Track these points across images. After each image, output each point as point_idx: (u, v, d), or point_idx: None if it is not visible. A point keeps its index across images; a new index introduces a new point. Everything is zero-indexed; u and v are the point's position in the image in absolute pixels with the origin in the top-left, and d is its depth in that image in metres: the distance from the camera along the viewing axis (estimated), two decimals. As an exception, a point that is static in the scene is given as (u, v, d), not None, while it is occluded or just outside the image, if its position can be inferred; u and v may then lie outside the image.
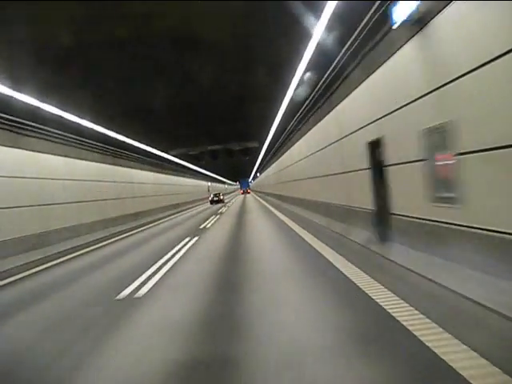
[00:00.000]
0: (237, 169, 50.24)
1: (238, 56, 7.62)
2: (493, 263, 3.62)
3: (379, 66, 6.24)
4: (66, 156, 12.78)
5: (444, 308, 3.60)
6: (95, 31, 5.80)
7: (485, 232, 3.77)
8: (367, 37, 6.06)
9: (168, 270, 6.77)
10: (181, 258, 8.02)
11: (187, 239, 10.89)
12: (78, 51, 6.42)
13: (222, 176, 62.58)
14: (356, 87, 7.56)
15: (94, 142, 14.26)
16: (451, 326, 3.10)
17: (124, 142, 15.17)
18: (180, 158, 24.29)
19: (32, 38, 5.71)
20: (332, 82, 8.77)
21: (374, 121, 6.63)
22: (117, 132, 13.44)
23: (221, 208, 28.29)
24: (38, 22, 5.31)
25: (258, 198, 43.10)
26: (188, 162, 26.68)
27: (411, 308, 3.65)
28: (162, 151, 20.37)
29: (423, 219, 5.08)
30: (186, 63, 7.73)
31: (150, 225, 18.39)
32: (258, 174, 57.31)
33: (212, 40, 6.56)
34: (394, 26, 4.94)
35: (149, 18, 5.58)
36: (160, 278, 6.14)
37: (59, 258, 9.63)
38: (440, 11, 4.24)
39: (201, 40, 6.51)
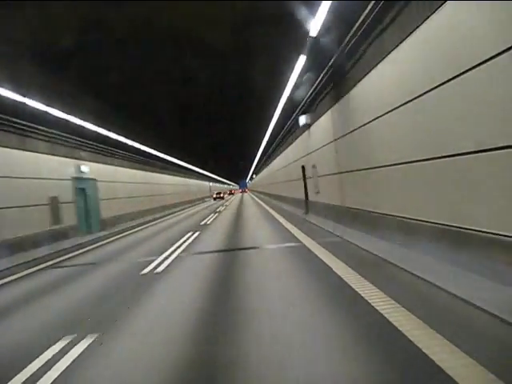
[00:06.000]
0: (235, 171, 58.31)
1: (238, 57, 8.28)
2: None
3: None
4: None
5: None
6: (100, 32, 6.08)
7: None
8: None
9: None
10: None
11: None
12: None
13: (223, 178, 69.84)
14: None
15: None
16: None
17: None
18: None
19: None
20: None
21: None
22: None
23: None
24: (39, 23, 5.51)
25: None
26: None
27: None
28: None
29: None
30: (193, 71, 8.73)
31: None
32: (255, 176, 61.12)
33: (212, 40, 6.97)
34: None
35: (149, 18, 5.80)
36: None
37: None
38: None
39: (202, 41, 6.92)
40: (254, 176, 62.35)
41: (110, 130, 14.12)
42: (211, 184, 66.68)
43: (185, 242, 10.03)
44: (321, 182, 11.37)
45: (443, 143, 4.52)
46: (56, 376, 2.81)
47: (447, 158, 4.46)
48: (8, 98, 8.14)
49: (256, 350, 2.91)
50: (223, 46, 7.26)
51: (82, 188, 14.29)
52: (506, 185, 3.57)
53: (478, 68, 3.77)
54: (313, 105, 11.27)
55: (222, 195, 47.23)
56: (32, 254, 9.72)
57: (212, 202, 43.23)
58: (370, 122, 6.72)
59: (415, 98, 5.04)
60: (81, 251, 10.51)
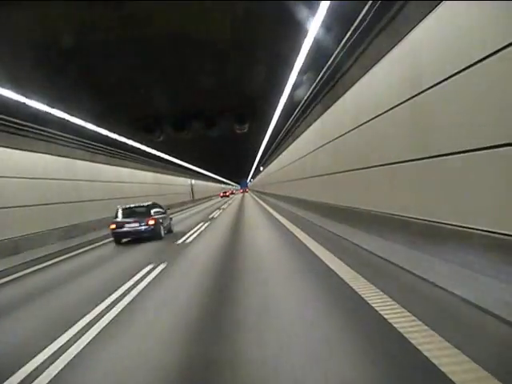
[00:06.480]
0: (236, 171, 54.98)
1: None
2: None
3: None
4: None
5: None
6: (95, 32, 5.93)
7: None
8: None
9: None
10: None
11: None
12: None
13: (222, 177, 66.25)
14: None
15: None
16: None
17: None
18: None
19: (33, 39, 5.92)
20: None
21: None
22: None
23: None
24: (39, 23, 5.44)
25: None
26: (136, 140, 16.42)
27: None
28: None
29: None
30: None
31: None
32: (261, 167, 52.47)
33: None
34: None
35: (148, 18, 5.72)
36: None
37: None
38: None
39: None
40: (261, 168, 55.52)
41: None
42: (194, 182, 46.03)
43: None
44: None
45: None
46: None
47: None
48: None
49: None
50: (223, 46, 7.23)
51: None
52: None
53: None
54: None
55: (227, 194, 63.61)
56: None
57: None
58: None
59: None
60: None
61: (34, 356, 3.28)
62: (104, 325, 3.93)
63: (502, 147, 3.61)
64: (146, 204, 12.04)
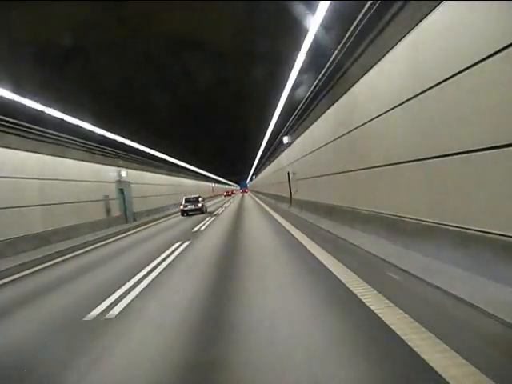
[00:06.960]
0: (235, 169, 55.41)
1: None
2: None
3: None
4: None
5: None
6: (96, 32, 5.83)
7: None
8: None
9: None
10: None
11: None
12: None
13: (220, 176, 67.28)
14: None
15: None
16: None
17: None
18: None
19: (32, 39, 5.77)
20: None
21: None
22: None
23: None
24: (38, 22, 5.37)
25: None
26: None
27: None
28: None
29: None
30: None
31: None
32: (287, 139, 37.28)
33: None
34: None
35: (149, 18, 5.71)
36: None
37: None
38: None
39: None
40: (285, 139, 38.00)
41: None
42: (125, 174, 21.44)
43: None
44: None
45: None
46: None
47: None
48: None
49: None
50: (223, 46, 7.18)
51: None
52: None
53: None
54: None
55: (229, 193, 77.01)
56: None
57: None
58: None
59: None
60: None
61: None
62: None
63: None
64: (196, 196, 24.21)
